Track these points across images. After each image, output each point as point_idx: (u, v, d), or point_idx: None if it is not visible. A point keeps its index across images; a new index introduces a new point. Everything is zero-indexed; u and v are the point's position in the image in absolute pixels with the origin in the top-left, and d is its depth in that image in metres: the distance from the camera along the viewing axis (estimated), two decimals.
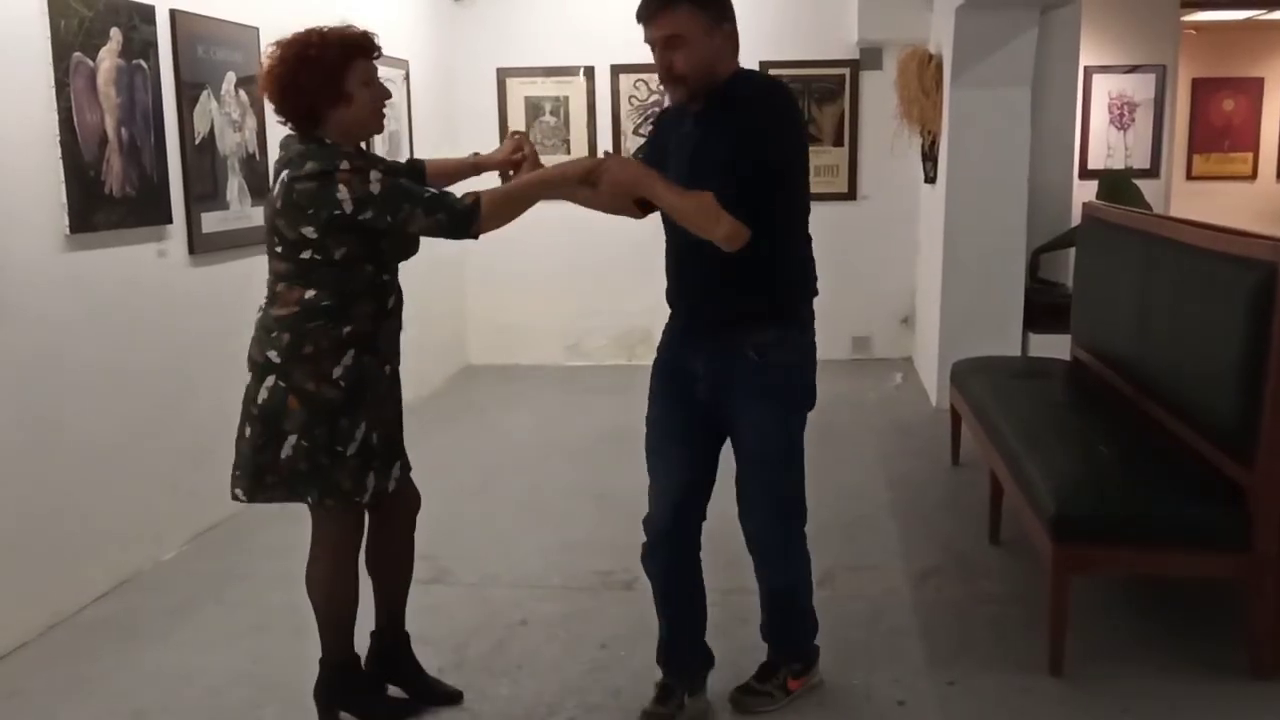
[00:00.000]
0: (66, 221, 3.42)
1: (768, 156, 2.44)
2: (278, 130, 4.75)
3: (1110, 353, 4.04)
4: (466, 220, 2.51)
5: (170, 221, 3.96)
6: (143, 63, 3.77)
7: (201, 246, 4.14)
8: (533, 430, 5.73)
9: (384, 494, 2.68)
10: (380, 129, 2.66)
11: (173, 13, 3.94)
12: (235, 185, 4.37)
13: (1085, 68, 7.16)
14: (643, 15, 2.50)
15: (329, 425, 2.54)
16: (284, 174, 2.48)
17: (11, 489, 3.19)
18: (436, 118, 6.54)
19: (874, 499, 4.46)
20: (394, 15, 6.10)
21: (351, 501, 2.63)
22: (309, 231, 2.45)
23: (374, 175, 2.45)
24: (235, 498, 2.69)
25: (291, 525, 4.24)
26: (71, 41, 3.41)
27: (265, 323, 2.55)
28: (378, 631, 2.91)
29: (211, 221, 4.20)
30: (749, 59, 6.06)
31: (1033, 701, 2.86)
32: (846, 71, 6.97)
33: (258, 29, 4.50)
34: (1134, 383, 3.75)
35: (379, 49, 2.63)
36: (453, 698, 2.92)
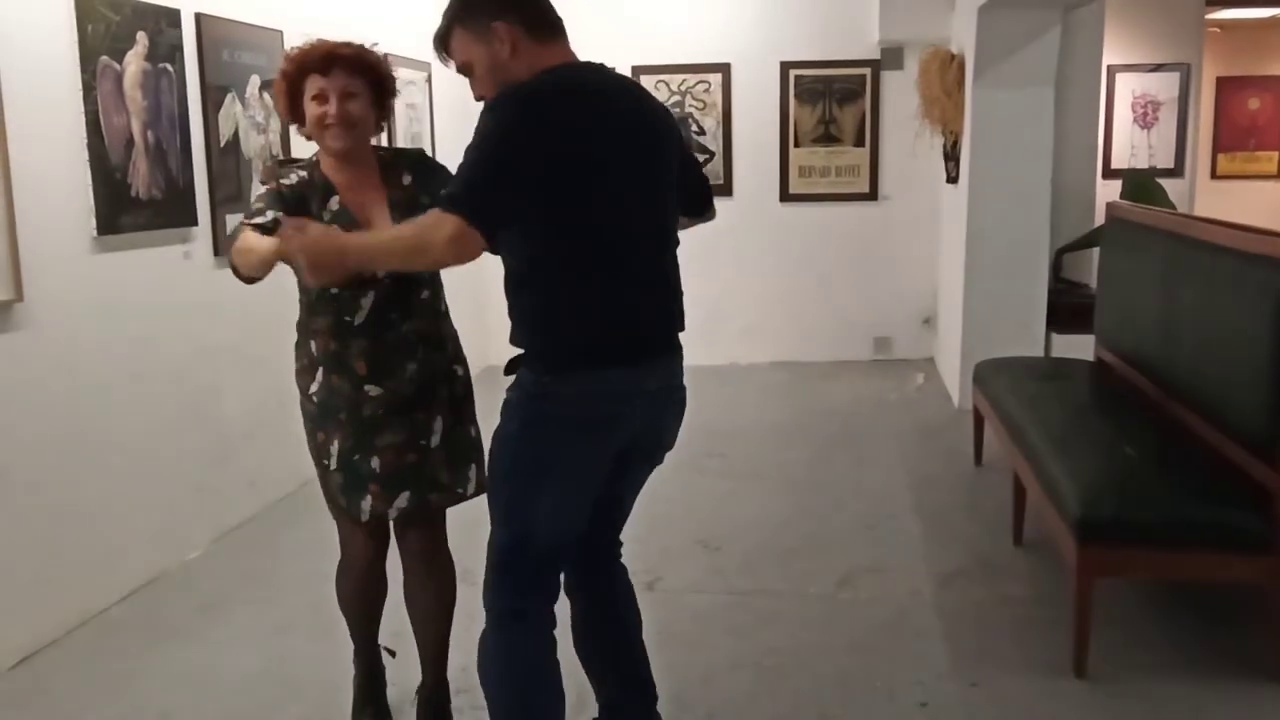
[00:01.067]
0: (94, 224, 3.45)
1: None
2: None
3: (1135, 354, 4.02)
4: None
5: (195, 224, 3.99)
6: (168, 66, 3.80)
7: (226, 248, 4.15)
8: None
9: (383, 519, 2.58)
10: (331, 146, 2.52)
11: (198, 16, 3.97)
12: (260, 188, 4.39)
13: (1109, 66, 7.13)
14: (439, 57, 2.27)
15: (312, 438, 2.60)
16: None
17: (39, 488, 3.22)
18: (458, 119, 6.56)
19: (896, 500, 4.45)
20: (415, 18, 6.12)
21: (346, 515, 2.60)
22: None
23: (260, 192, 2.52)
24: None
25: (313, 526, 4.28)
26: (98, 45, 3.44)
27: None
28: (421, 685, 2.76)
29: (236, 223, 4.22)
30: (772, 60, 6.21)
31: (1057, 704, 2.85)
32: (868, 72, 6.95)
33: (281, 32, 4.53)
34: (1159, 384, 3.73)
35: (339, 61, 2.47)
36: None
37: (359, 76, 2.50)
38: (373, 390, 2.49)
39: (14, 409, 3.14)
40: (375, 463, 2.51)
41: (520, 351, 2.26)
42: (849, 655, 3.13)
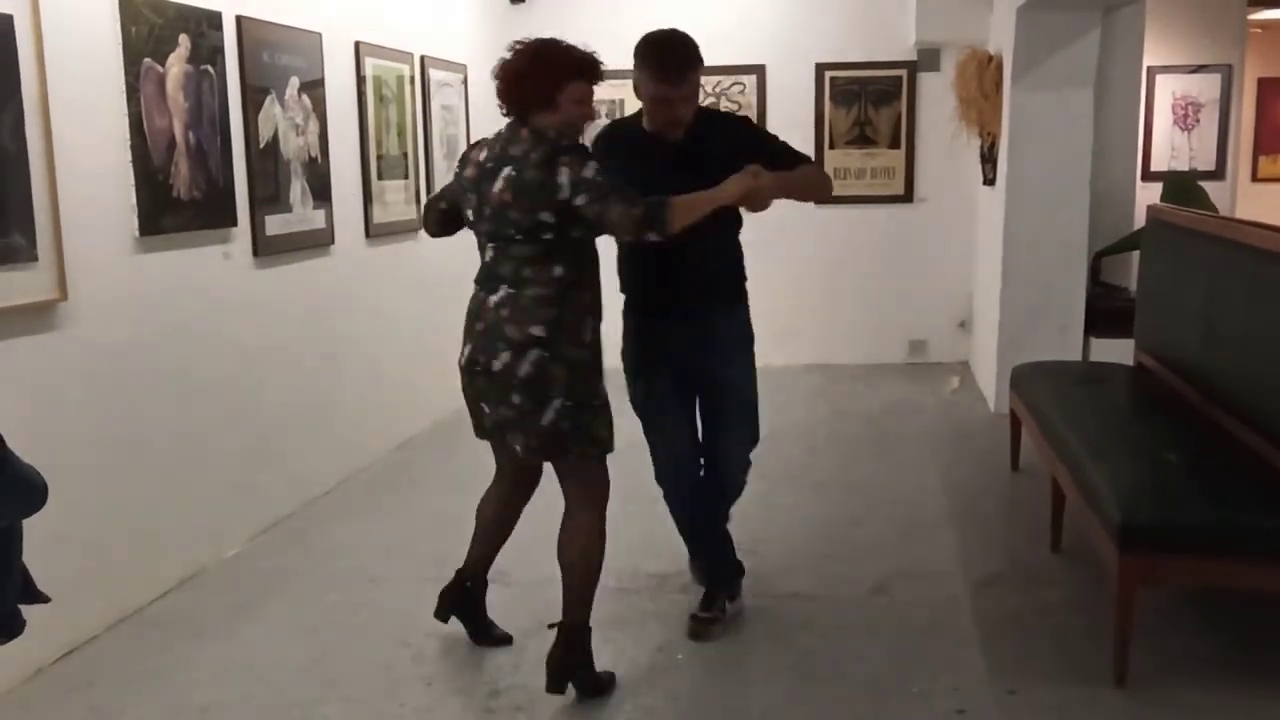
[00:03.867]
0: (136, 224, 3.49)
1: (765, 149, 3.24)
2: (340, 133, 4.81)
3: (1176, 358, 3.97)
4: (658, 217, 2.73)
5: (235, 224, 4.03)
6: (210, 68, 3.84)
7: (265, 249, 4.21)
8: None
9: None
10: (576, 140, 2.90)
11: (239, 19, 4.01)
12: (298, 188, 4.44)
13: (1149, 68, 7.04)
14: (671, 77, 3.07)
15: (587, 383, 2.85)
16: (507, 170, 2.76)
17: (81, 486, 3.25)
18: (495, 122, 6.58)
19: (932, 505, 4.42)
20: (452, 19, 6.16)
21: (607, 450, 2.92)
22: (546, 216, 2.73)
23: (591, 164, 2.74)
24: (517, 452, 2.94)
25: (350, 524, 4.31)
26: (142, 48, 3.48)
27: (521, 303, 2.78)
28: (467, 574, 3.23)
29: (275, 224, 4.27)
30: (807, 61, 6.21)
31: (1096, 713, 2.81)
32: (904, 73, 6.91)
33: (320, 34, 4.57)
34: (1201, 389, 3.68)
35: (599, 76, 2.96)
36: (505, 640, 3.26)
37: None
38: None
39: (58, 407, 3.18)
40: None
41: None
42: (885, 661, 3.11)
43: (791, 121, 6.98)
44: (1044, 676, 3.00)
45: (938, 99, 6.72)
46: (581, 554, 2.96)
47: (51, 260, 3.12)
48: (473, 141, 3.16)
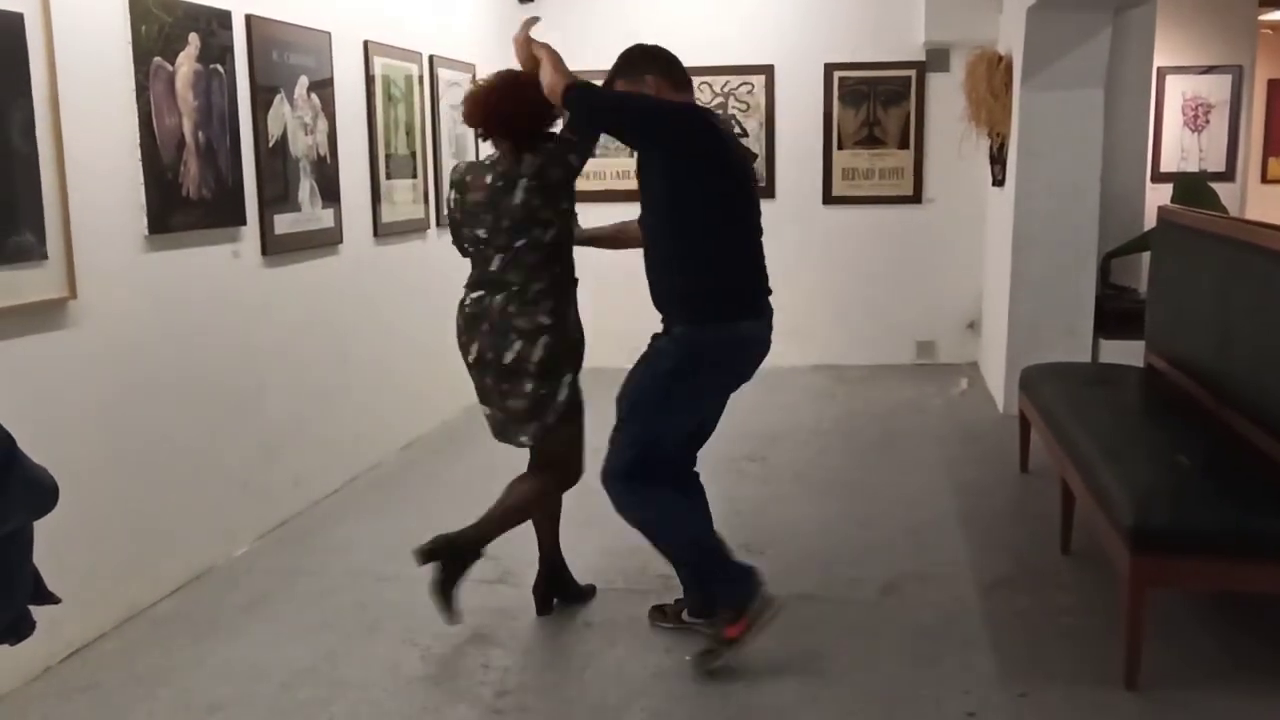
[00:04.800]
0: (145, 223, 3.49)
1: None
2: (349, 133, 4.81)
3: (1188, 360, 3.95)
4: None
5: (244, 223, 4.03)
6: (219, 67, 3.84)
7: (274, 248, 4.21)
8: (594, 432, 5.71)
9: None
10: None
11: (248, 18, 4.01)
12: (306, 188, 4.44)
13: (1159, 68, 7.02)
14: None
15: (581, 362, 3.27)
16: (527, 182, 3.07)
17: (89, 484, 3.25)
18: None
19: (940, 506, 4.40)
20: (461, 18, 6.15)
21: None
22: (566, 203, 3.16)
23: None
24: (523, 444, 3.29)
25: (356, 524, 4.31)
26: (151, 47, 3.48)
27: (527, 298, 3.13)
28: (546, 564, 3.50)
29: (283, 223, 4.27)
30: (815, 62, 6.24)
31: (1107, 716, 2.80)
32: (912, 73, 6.90)
33: (329, 34, 4.57)
34: (1213, 391, 3.66)
35: None
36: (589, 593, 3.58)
37: None
38: None
39: (66, 405, 3.18)
40: None
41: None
42: (894, 663, 3.09)
43: (800, 122, 6.99)
44: (1055, 679, 2.98)
45: (947, 99, 6.70)
46: (530, 496, 3.31)
47: (61, 259, 3.12)
48: (461, 166, 3.33)
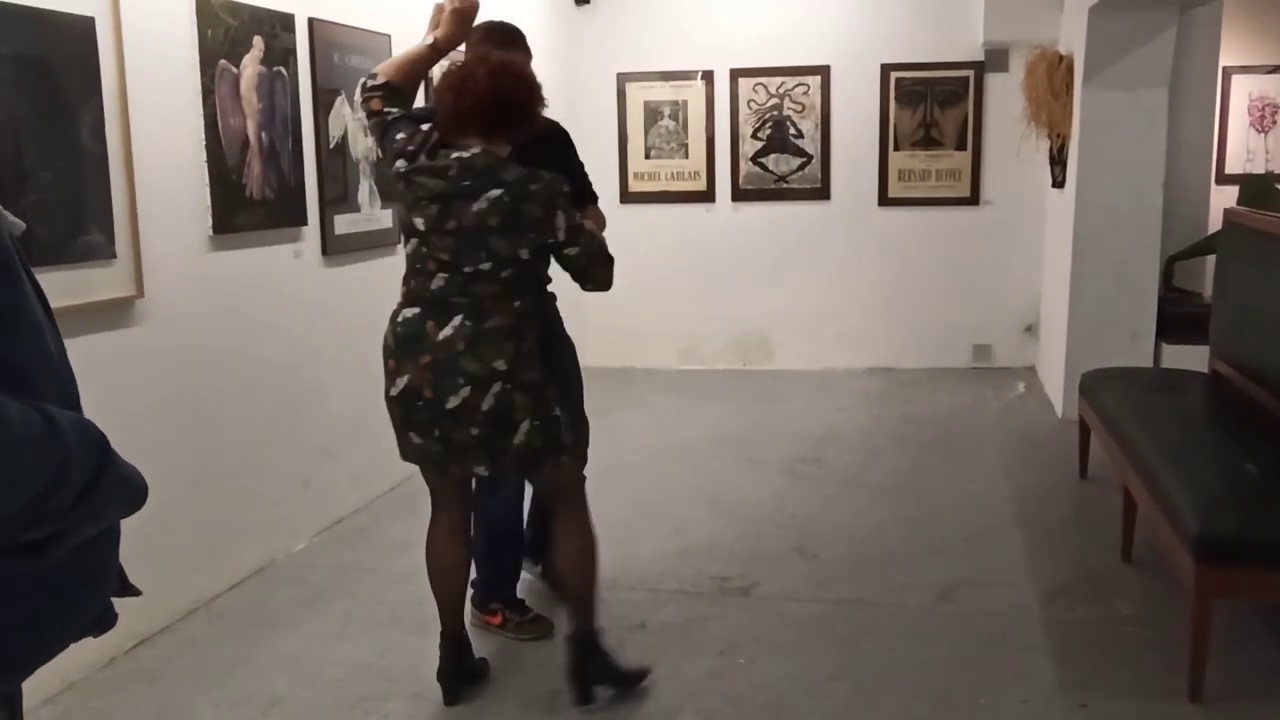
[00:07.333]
0: (210, 223, 3.55)
1: None
2: None
3: (1255, 366, 3.86)
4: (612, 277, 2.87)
5: (305, 224, 4.09)
6: (282, 70, 3.89)
7: (334, 248, 4.26)
8: (648, 433, 5.74)
9: None
10: None
11: (311, 21, 4.07)
12: (365, 189, 4.49)
13: (1224, 68, 6.87)
14: None
15: (548, 400, 2.74)
16: (497, 193, 2.58)
17: (154, 479, 3.29)
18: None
19: (998, 512, 4.34)
20: (518, 19, 6.17)
21: (580, 448, 3.00)
22: (525, 253, 2.64)
23: (573, 207, 2.71)
24: (477, 474, 2.83)
25: (413, 522, 4.34)
26: (217, 49, 3.55)
27: (481, 336, 2.61)
28: (454, 631, 3.05)
29: (343, 224, 4.32)
30: (872, 62, 6.19)
31: None
32: (971, 74, 6.82)
33: (389, 36, 4.62)
34: None
35: None
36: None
37: None
38: None
39: (132, 402, 3.24)
40: None
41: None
42: (951, 670, 3.06)
43: (856, 123, 6.94)
44: (1116, 690, 2.93)
45: (1005, 100, 6.61)
46: (579, 554, 2.91)
47: (129, 258, 3.18)
48: (414, 134, 2.71)
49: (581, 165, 3.33)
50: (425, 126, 2.71)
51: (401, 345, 2.68)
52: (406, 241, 2.73)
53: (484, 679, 3.04)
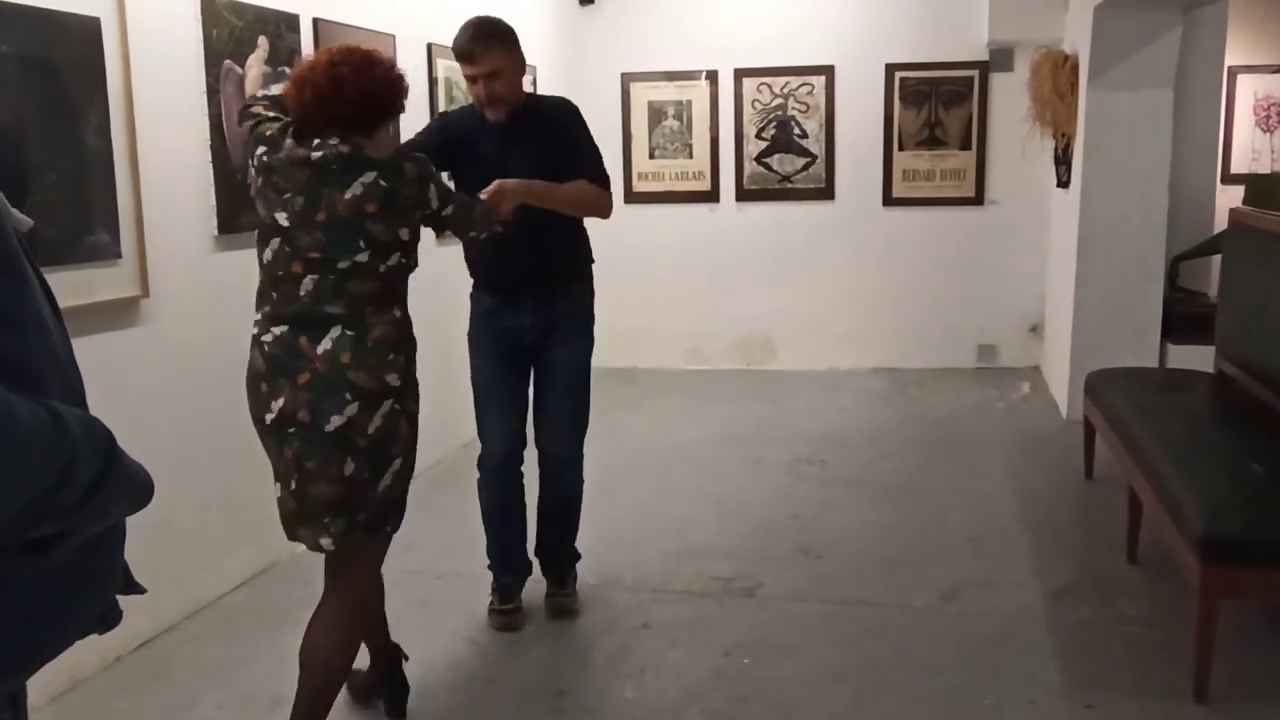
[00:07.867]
0: (215, 223, 3.56)
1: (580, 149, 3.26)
2: (411, 134, 4.84)
3: (1261, 366, 3.85)
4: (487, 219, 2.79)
5: None
6: (287, 70, 3.89)
7: None
8: (652, 434, 5.74)
9: None
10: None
11: (315, 21, 4.07)
12: None
13: (1230, 68, 6.87)
14: (469, 55, 3.12)
15: (415, 445, 2.55)
16: (369, 177, 2.34)
17: (159, 477, 3.28)
18: None
19: (1003, 512, 4.34)
20: (522, 20, 6.17)
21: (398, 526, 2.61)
22: (404, 233, 2.44)
23: (441, 176, 2.63)
24: (321, 548, 2.47)
25: (414, 524, 4.34)
26: (222, 49, 3.55)
27: (368, 346, 2.37)
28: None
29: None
30: (876, 62, 6.11)
31: None
32: (975, 73, 6.81)
33: (394, 36, 4.62)
34: None
35: None
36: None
37: None
38: None
39: (138, 401, 3.25)
40: None
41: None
42: (956, 671, 3.06)
43: (860, 123, 6.94)
44: (1122, 691, 2.92)
45: (1010, 100, 6.61)
46: (340, 650, 2.56)
47: (134, 257, 3.19)
48: (277, 124, 2.44)
49: (593, 144, 3.33)
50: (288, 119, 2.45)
51: (274, 365, 2.38)
52: (264, 249, 2.42)
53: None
